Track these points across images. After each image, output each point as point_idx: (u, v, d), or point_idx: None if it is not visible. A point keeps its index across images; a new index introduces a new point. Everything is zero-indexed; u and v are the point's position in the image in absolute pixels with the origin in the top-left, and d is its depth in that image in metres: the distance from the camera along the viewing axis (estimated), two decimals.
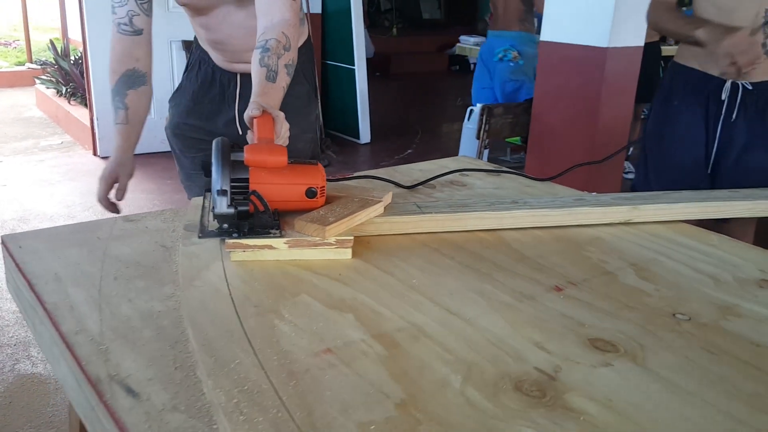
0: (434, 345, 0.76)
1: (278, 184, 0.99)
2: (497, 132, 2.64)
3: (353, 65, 4.84)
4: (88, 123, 4.67)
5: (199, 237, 0.97)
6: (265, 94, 1.17)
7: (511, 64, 3.65)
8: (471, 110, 3.36)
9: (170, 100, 1.70)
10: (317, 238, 0.95)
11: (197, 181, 1.67)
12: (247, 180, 0.96)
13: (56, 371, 0.82)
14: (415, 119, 6.24)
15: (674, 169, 1.63)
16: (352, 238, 0.97)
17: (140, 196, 3.75)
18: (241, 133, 1.61)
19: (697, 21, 1.60)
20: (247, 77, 1.52)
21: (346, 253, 0.97)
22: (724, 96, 1.54)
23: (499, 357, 0.74)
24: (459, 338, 0.78)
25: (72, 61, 5.82)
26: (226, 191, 0.94)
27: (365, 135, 5.10)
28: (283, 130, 1.08)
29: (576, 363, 0.73)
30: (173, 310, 0.83)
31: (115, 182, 1.44)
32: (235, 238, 0.94)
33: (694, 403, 0.67)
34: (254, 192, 0.95)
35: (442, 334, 0.78)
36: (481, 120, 2.53)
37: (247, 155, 0.97)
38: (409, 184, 1.34)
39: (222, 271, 0.93)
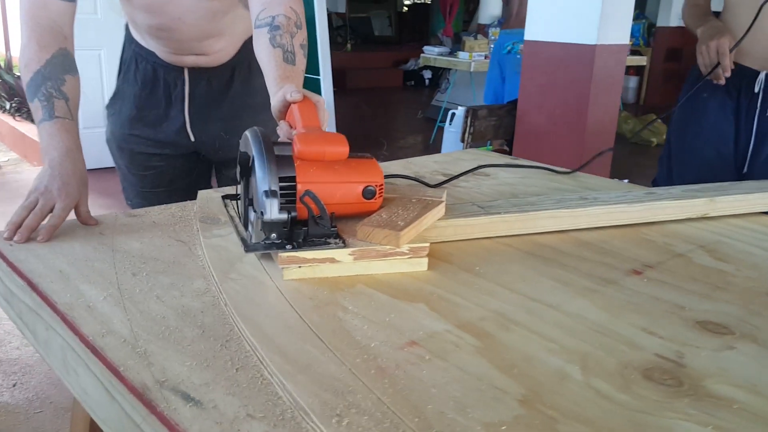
0: (530, 334, 0.66)
1: (332, 183, 0.80)
2: (481, 134, 2.58)
3: (318, 75, 4.74)
4: (35, 138, 4.42)
5: (247, 252, 0.80)
6: (288, 78, 0.97)
7: (518, 56, 3.71)
8: (453, 114, 3.30)
9: (107, 107, 1.41)
10: (388, 247, 0.77)
11: (152, 199, 1.38)
12: (294, 179, 0.78)
13: (73, 384, 0.68)
14: (379, 131, 6.17)
15: (700, 165, 1.57)
16: (428, 245, 0.80)
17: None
18: (194, 140, 1.37)
19: (704, 18, 1.57)
20: (197, 73, 1.33)
21: (422, 264, 0.80)
22: (757, 88, 1.49)
23: (609, 345, 0.64)
24: (555, 326, 0.68)
25: (17, 76, 5.53)
26: (276, 192, 0.76)
27: None
28: (325, 120, 0.91)
29: (696, 347, 0.64)
30: (212, 306, 0.71)
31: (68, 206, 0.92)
32: (289, 250, 0.75)
33: None
34: (308, 192, 0.76)
35: (534, 322, 0.68)
36: (465, 122, 2.46)
37: (301, 146, 0.79)
38: (427, 178, 1.24)
39: (259, 263, 0.81)
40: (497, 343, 0.63)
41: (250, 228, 0.83)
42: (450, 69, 6.55)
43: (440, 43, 7.68)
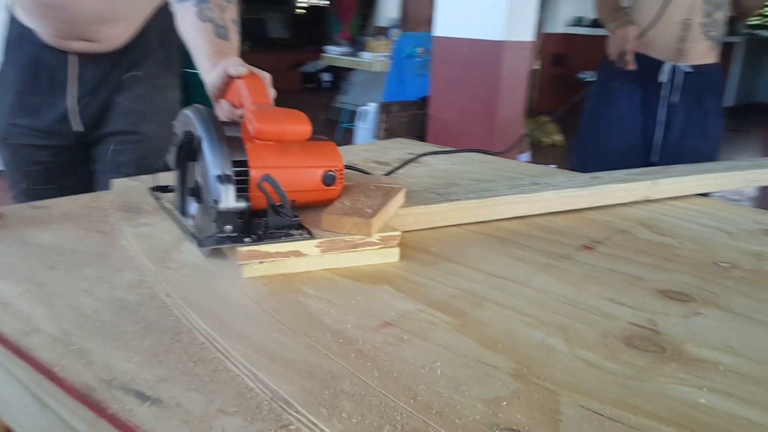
0: (504, 309, 0.63)
1: (289, 168, 0.71)
2: (394, 130, 2.57)
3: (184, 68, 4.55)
4: None
5: (200, 247, 0.70)
6: (224, 54, 0.87)
7: (418, 59, 3.72)
8: (364, 110, 3.27)
9: None
10: (357, 237, 0.70)
11: (46, 195, 1.20)
12: (245, 163, 0.68)
13: None
14: None
15: (611, 154, 1.62)
16: (399, 233, 0.73)
17: None
18: (75, 129, 1.23)
19: (615, 12, 1.62)
20: (85, 59, 1.19)
21: (393, 255, 0.72)
22: (662, 78, 1.56)
23: (583, 316, 0.62)
24: (526, 301, 0.65)
25: None
26: (230, 177, 0.66)
27: None
28: (273, 99, 0.83)
29: (665, 315, 0.64)
30: (151, 298, 0.63)
31: None
32: (249, 244, 0.66)
33: None
34: (267, 178, 0.67)
35: (504, 298, 0.65)
36: (378, 119, 2.44)
37: (258, 123, 0.69)
38: (361, 166, 1.20)
39: (197, 250, 0.73)
40: (474, 320, 0.60)
41: (190, 221, 0.75)
42: (351, 71, 6.55)
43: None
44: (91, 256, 0.73)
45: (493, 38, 2.40)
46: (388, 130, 2.46)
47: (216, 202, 0.66)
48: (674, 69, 1.55)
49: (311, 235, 0.69)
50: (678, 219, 0.97)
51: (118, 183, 0.99)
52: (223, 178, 0.66)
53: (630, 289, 0.70)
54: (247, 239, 0.66)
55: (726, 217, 1.00)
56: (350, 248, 0.70)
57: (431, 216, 0.84)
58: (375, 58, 4.88)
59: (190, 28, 0.94)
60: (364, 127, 3.07)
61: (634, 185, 0.98)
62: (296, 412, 0.45)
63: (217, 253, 0.71)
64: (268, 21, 11.58)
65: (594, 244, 0.84)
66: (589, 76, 8.36)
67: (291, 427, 0.44)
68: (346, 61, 5.23)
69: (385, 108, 2.47)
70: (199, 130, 0.69)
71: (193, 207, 0.76)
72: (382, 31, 6.33)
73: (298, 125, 0.72)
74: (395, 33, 5.21)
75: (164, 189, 0.88)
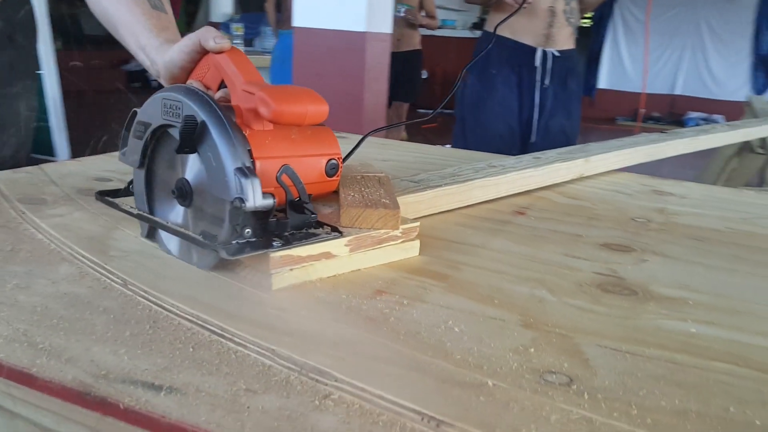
0: (481, 270, 0.64)
1: (295, 158, 0.60)
2: None
3: (38, 69, 4.15)
4: None
5: (230, 257, 0.53)
6: (168, 29, 0.76)
7: None
8: None
9: None
10: (382, 232, 0.62)
11: None
12: (249, 153, 0.56)
13: None
14: (114, 135, 5.62)
15: (493, 138, 1.69)
16: (418, 224, 0.66)
17: None
18: None
19: None
20: None
21: (414, 249, 0.66)
22: (537, 63, 1.66)
23: (551, 270, 0.65)
24: (494, 261, 0.66)
25: None
26: (253, 170, 0.55)
27: (63, 152, 4.41)
28: None
29: (619, 263, 0.68)
30: (105, 289, 0.56)
31: None
32: (279, 248, 0.55)
33: (740, 272, 0.66)
34: (287, 169, 0.57)
35: (474, 260, 0.66)
36: None
37: (278, 104, 0.55)
38: None
39: (137, 237, 0.66)
40: (460, 281, 0.60)
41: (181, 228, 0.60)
42: None
43: None
44: (5, 254, 0.63)
45: (356, 29, 2.42)
46: None
47: (240, 200, 0.53)
48: (545, 54, 1.66)
49: (340, 233, 0.60)
50: (580, 186, 1.04)
51: (2, 175, 0.87)
52: (246, 171, 0.54)
53: (576, 244, 0.74)
54: (276, 242, 0.55)
55: (617, 182, 1.09)
56: (375, 245, 0.62)
57: (418, 205, 0.78)
58: None
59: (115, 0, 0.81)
60: None
61: (573, 163, 1.02)
62: (335, 381, 0.42)
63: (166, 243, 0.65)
64: (81, 17, 10.72)
65: (524, 210, 0.87)
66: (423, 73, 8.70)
67: (333, 396, 0.41)
68: None
69: None
70: (202, 114, 0.56)
71: (174, 212, 0.63)
72: (217, 27, 6.13)
73: (319, 105, 0.59)
74: (237, 27, 5.07)
75: (113, 194, 0.70)
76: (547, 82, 1.67)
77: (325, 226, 0.60)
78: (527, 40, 1.67)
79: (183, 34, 0.71)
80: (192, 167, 0.60)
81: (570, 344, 0.49)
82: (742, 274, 0.67)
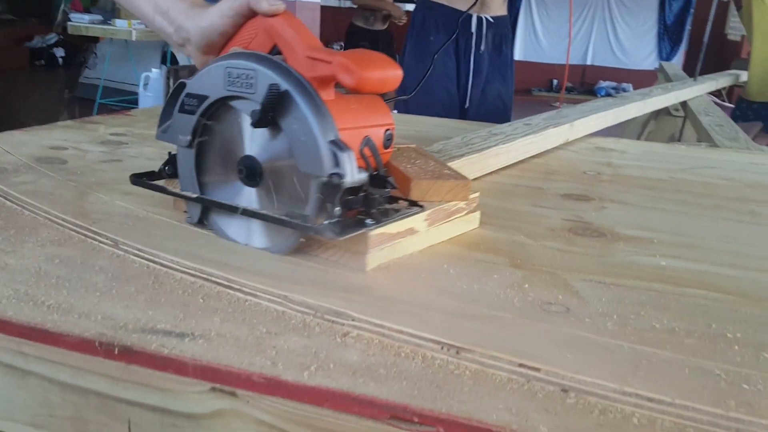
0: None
1: (361, 128, 0.54)
2: None
3: None
4: None
5: (334, 237, 0.49)
6: None
7: None
8: (147, 76, 3.00)
9: None
10: (452, 204, 0.60)
11: None
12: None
13: None
14: (25, 115, 5.31)
15: (435, 105, 1.71)
16: (478, 194, 0.63)
17: None
18: None
19: None
20: None
21: (475, 220, 0.63)
22: (473, 29, 1.68)
23: (524, 218, 0.69)
24: None
25: None
26: (343, 143, 0.50)
27: None
28: None
29: (583, 210, 0.73)
30: (95, 250, 0.55)
31: None
32: (373, 226, 0.52)
33: (690, 214, 0.72)
34: (368, 141, 0.53)
35: None
36: (167, 85, 2.29)
37: (363, 71, 0.51)
38: None
39: (119, 199, 0.65)
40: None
41: (254, 205, 0.56)
42: (97, 43, 5.97)
43: (68, 19, 6.88)
44: None
45: None
46: None
47: (338, 176, 0.49)
48: (480, 20, 1.69)
49: (421, 207, 0.57)
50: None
51: None
52: (342, 144, 0.50)
53: (540, 195, 0.78)
54: (368, 221, 0.52)
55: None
56: (447, 217, 0.60)
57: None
58: (131, 25, 4.50)
59: None
60: (148, 95, 2.84)
61: (562, 128, 1.04)
62: (352, 320, 0.44)
63: (137, 197, 0.64)
64: None
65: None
66: (338, 46, 8.65)
67: (352, 334, 0.43)
68: (97, 30, 4.75)
69: (173, 72, 2.32)
70: (286, 83, 0.51)
71: (236, 193, 0.57)
72: None
73: (396, 69, 0.55)
74: None
75: (149, 176, 0.63)
76: (482, 47, 1.71)
77: (399, 201, 0.58)
78: (461, 5, 1.69)
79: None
80: (260, 143, 0.55)
81: (558, 280, 0.52)
82: (692, 216, 0.73)
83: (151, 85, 2.83)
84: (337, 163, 0.49)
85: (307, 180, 0.51)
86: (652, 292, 0.51)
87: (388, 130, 0.57)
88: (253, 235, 0.56)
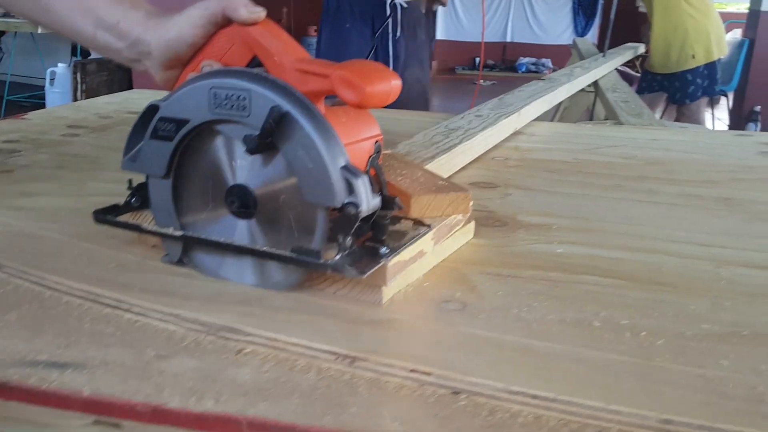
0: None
1: (355, 143, 0.50)
2: (95, 90, 2.32)
3: None
4: None
5: (349, 273, 0.45)
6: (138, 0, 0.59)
7: None
8: (53, 72, 2.85)
9: None
10: (452, 218, 0.57)
11: None
12: None
13: None
14: None
15: None
16: (471, 202, 0.60)
17: None
18: None
19: None
20: None
21: (470, 231, 0.61)
22: (389, 13, 1.67)
23: None
24: None
25: None
26: (355, 168, 0.45)
27: None
28: None
29: (489, 198, 0.74)
30: None
31: None
32: (388, 255, 0.47)
33: (589, 196, 0.74)
34: (373, 161, 0.51)
35: None
36: (74, 80, 2.18)
37: (369, 85, 0.46)
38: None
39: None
40: None
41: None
42: (1, 37, 5.65)
43: None
44: None
45: None
46: (87, 92, 2.22)
47: (354, 206, 0.44)
48: (394, 5, 1.69)
49: (428, 227, 0.53)
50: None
51: None
52: (355, 170, 0.45)
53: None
54: (384, 249, 0.47)
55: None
56: (449, 232, 0.57)
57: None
58: None
59: None
60: (55, 92, 2.71)
61: (513, 117, 1.02)
62: (246, 335, 0.43)
63: (28, 212, 0.61)
64: None
65: None
66: None
67: (246, 351, 0.42)
68: (15, 24, 4.48)
69: (80, 67, 2.22)
70: (287, 104, 0.45)
71: (223, 227, 0.51)
72: None
73: (397, 80, 0.50)
74: None
75: (113, 211, 0.55)
76: (398, 33, 1.71)
77: (402, 220, 0.54)
78: None
79: None
80: (252, 169, 0.49)
81: (458, 275, 0.53)
82: (592, 197, 0.75)
83: (58, 80, 2.70)
84: (351, 190, 0.44)
85: (312, 209, 0.46)
86: (547, 282, 0.52)
87: (377, 141, 0.53)
88: (247, 271, 0.50)
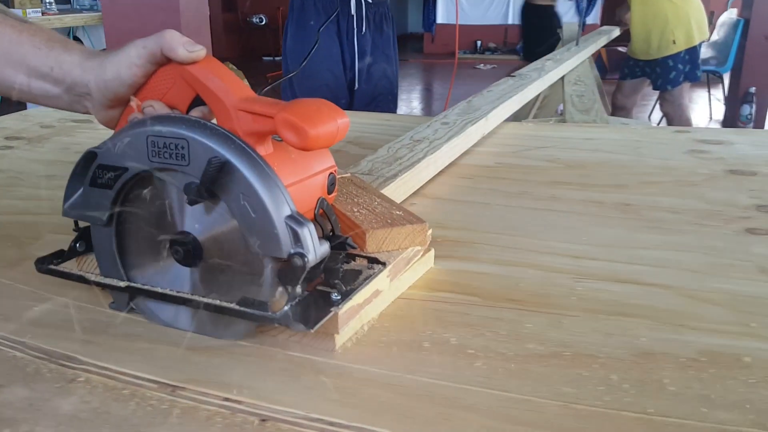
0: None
1: (304, 180, 0.49)
2: None
3: None
4: None
5: (297, 328, 0.44)
6: (64, 41, 0.56)
7: None
8: None
9: None
10: (410, 251, 0.56)
11: None
12: None
13: None
14: None
15: (320, 88, 1.71)
16: (431, 231, 0.59)
17: None
18: None
19: None
20: None
21: (430, 260, 0.60)
22: (353, 11, 1.68)
23: None
24: None
25: None
26: (300, 217, 0.44)
27: None
28: None
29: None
30: None
31: None
32: (340, 301, 0.46)
33: (491, 204, 0.75)
34: (322, 202, 0.49)
35: None
36: None
37: (313, 128, 0.44)
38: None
39: None
40: None
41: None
42: None
43: None
44: None
45: None
46: None
47: (301, 256, 0.43)
48: (358, 1, 1.70)
49: (383, 264, 0.52)
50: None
51: None
52: (300, 218, 0.44)
53: None
54: (335, 295, 0.46)
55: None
56: (406, 265, 0.56)
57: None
58: (26, 14, 4.30)
59: None
60: None
61: (482, 122, 1.02)
62: (81, 364, 0.45)
63: None
64: None
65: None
66: (258, 18, 8.50)
67: (80, 379, 0.44)
68: None
69: None
70: (226, 153, 0.44)
71: (165, 276, 0.50)
72: None
73: (344, 117, 0.47)
74: None
75: (57, 258, 0.54)
76: (364, 29, 1.72)
77: (356, 258, 0.53)
78: None
79: None
80: (196, 216, 0.47)
81: None
82: (492, 207, 0.76)
83: None
84: (297, 240, 0.43)
85: (258, 259, 0.45)
86: (402, 299, 0.53)
87: (330, 173, 0.51)
88: (207, 323, 0.48)
